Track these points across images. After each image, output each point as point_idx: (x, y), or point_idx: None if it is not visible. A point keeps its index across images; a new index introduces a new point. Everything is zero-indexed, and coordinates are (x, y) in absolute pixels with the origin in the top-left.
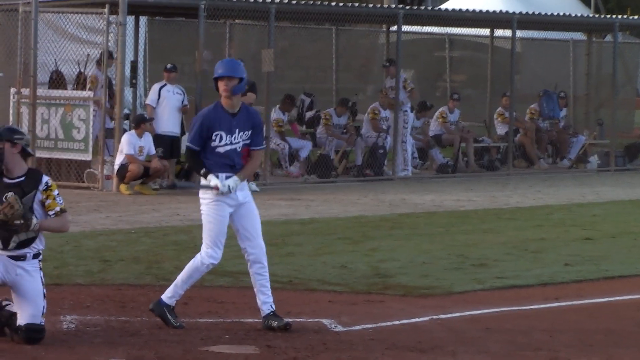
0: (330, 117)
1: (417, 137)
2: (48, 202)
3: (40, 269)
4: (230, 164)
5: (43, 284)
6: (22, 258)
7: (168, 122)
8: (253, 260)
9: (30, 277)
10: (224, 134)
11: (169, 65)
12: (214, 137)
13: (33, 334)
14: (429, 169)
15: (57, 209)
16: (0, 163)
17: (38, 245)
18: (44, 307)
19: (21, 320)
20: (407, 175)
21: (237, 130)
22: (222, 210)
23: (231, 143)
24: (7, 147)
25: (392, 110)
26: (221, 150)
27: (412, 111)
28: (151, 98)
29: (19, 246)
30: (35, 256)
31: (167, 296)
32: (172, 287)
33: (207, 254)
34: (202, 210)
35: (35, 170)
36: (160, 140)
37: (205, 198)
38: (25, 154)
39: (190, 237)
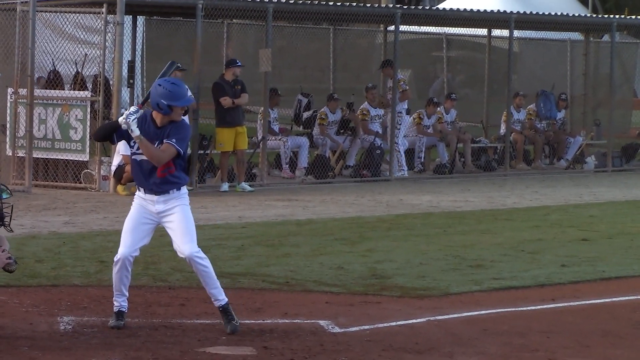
0: (326, 116)
1: (428, 134)
2: None
3: None
4: (143, 174)
5: None
6: None
7: None
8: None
9: None
10: None
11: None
12: (132, 144)
13: None
14: (426, 170)
15: None
16: None
17: None
18: None
19: None
20: (403, 175)
21: (156, 143)
22: (137, 212)
23: None
24: None
25: (385, 110)
26: (137, 158)
27: (407, 113)
28: None
29: None
30: None
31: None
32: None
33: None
34: None
35: None
36: None
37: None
38: None
39: None
